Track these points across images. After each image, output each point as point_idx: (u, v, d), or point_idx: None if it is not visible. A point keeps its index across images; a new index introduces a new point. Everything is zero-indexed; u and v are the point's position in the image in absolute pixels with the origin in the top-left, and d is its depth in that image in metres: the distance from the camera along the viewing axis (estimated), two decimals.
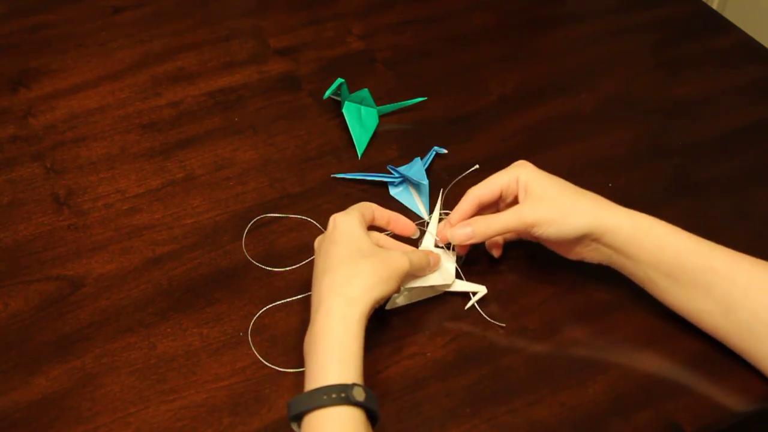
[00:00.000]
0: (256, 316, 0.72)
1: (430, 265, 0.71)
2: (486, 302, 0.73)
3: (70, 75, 0.98)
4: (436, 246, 0.75)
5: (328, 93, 0.89)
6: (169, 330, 0.71)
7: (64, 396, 0.67)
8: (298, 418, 0.59)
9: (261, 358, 0.69)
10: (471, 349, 0.71)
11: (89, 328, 0.71)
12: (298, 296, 0.73)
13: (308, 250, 0.77)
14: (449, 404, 0.67)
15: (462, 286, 0.73)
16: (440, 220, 0.77)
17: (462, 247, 0.75)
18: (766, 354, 0.65)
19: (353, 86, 0.92)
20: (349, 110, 0.90)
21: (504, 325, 0.72)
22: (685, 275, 0.67)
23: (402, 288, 0.70)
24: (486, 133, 0.92)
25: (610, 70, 1.02)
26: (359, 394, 0.58)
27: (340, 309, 0.62)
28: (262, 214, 0.81)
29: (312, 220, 0.81)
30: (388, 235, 0.74)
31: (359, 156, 0.88)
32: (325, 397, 0.57)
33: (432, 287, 0.73)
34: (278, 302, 0.73)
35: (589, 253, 0.71)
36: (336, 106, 0.93)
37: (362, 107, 0.91)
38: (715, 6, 1.36)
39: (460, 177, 0.81)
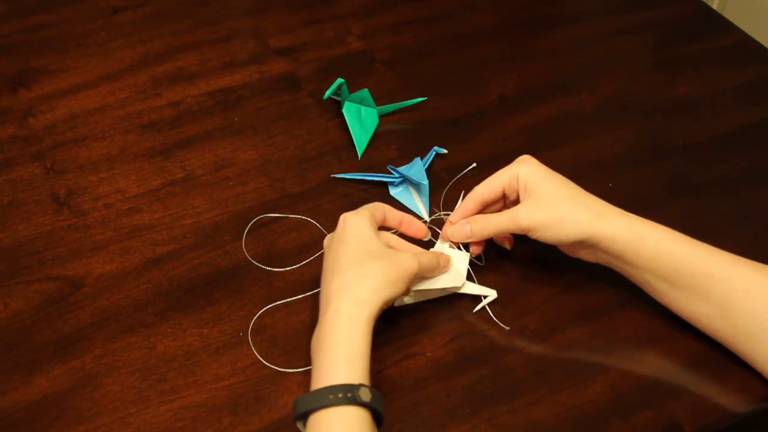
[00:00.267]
0: (256, 316, 0.72)
1: (440, 267, 0.71)
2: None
3: (70, 75, 0.98)
4: (450, 246, 0.74)
5: (328, 93, 0.89)
6: (169, 330, 0.71)
7: (64, 396, 0.67)
8: (304, 417, 0.59)
9: (261, 358, 0.69)
10: (471, 349, 0.70)
11: (89, 328, 0.71)
12: (298, 296, 0.73)
13: (308, 250, 0.77)
14: (449, 404, 0.67)
15: (472, 288, 0.73)
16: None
17: (477, 246, 0.74)
18: (765, 357, 0.65)
19: (353, 86, 0.92)
20: (349, 110, 0.90)
21: (509, 328, 0.72)
22: (684, 280, 0.67)
23: (411, 290, 0.70)
24: (486, 133, 0.92)
25: (610, 70, 1.02)
26: (365, 395, 0.58)
27: (348, 309, 0.62)
28: (262, 214, 0.81)
29: (312, 220, 0.80)
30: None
31: (359, 156, 0.88)
32: (331, 397, 0.57)
33: (441, 288, 0.73)
34: (278, 302, 0.73)
35: (587, 256, 0.72)
36: (336, 106, 0.93)
37: (362, 107, 0.91)
38: (715, 6, 1.35)
39: (458, 176, 0.81)
